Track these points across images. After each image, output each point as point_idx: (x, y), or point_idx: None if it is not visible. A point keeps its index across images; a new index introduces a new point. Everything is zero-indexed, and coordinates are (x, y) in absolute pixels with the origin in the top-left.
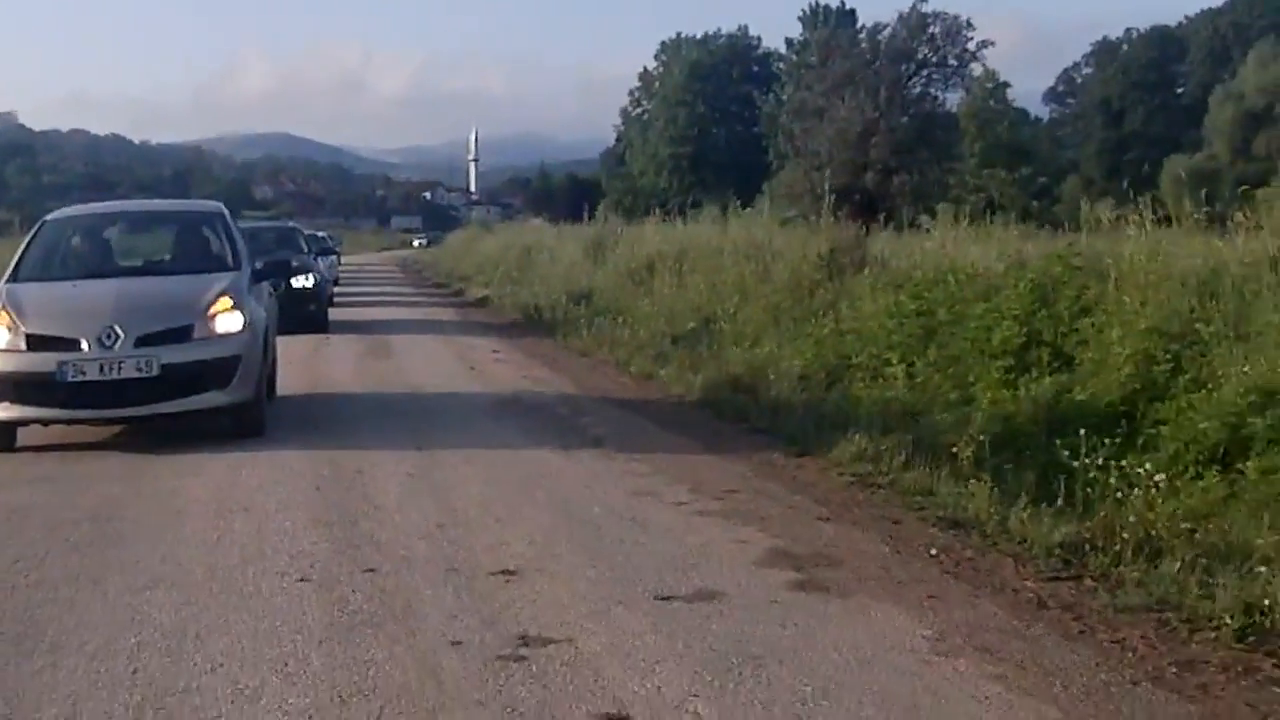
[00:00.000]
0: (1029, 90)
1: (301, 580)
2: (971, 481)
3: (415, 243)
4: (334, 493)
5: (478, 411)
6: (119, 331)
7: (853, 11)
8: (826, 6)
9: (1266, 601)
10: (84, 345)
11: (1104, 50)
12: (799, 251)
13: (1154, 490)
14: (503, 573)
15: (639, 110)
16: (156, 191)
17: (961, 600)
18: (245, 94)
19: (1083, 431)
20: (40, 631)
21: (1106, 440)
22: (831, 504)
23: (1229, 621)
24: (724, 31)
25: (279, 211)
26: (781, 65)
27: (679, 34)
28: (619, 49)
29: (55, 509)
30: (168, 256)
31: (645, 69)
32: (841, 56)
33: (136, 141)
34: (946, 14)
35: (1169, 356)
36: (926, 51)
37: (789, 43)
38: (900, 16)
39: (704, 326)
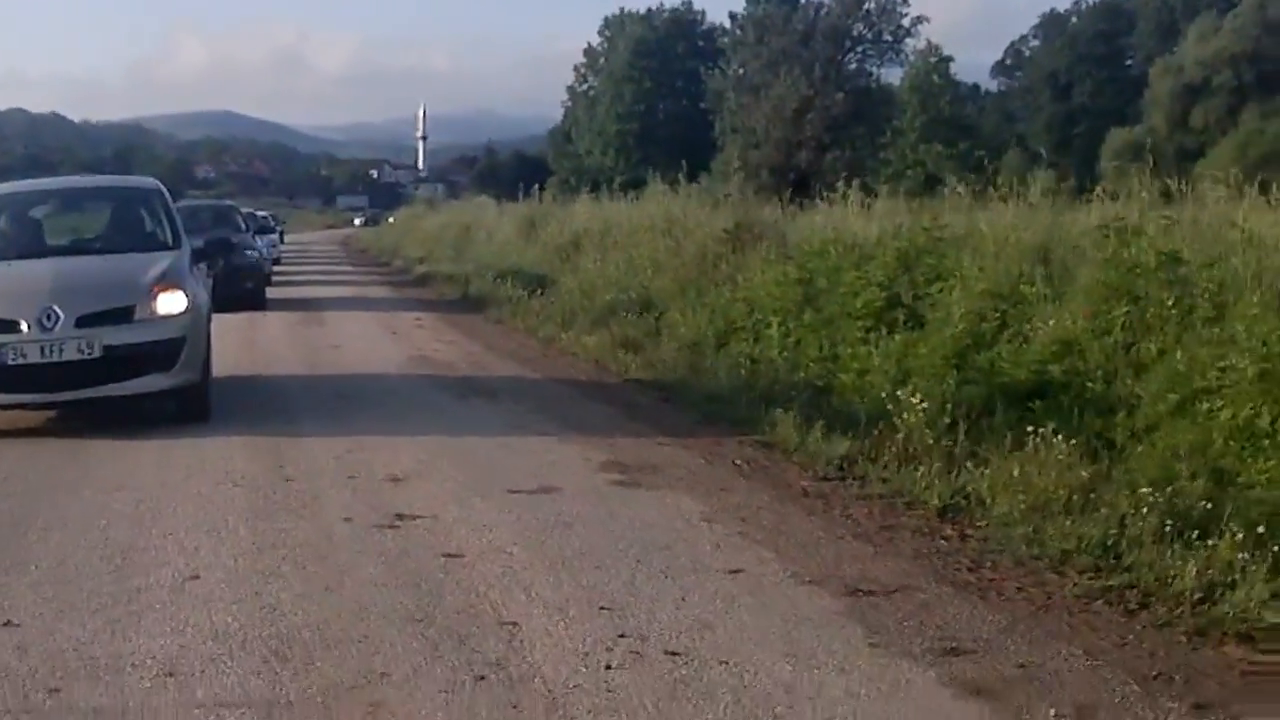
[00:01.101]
0: (980, 63)
1: (234, 485)
2: (778, 411)
3: (356, 221)
4: (264, 428)
5: (391, 367)
6: (58, 312)
7: None
8: None
9: (970, 489)
10: (23, 327)
11: (1052, 23)
12: (706, 228)
13: (919, 415)
14: (391, 479)
15: (585, 87)
16: (98, 171)
17: (741, 492)
18: (184, 71)
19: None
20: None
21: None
22: (674, 433)
23: (935, 502)
24: (668, 6)
25: (221, 192)
26: (726, 40)
27: (622, 9)
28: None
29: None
30: (103, 235)
31: (590, 45)
32: (777, 34)
33: (77, 121)
34: None
35: (997, 315)
36: (862, 28)
37: (733, 17)
38: None
39: (620, 298)
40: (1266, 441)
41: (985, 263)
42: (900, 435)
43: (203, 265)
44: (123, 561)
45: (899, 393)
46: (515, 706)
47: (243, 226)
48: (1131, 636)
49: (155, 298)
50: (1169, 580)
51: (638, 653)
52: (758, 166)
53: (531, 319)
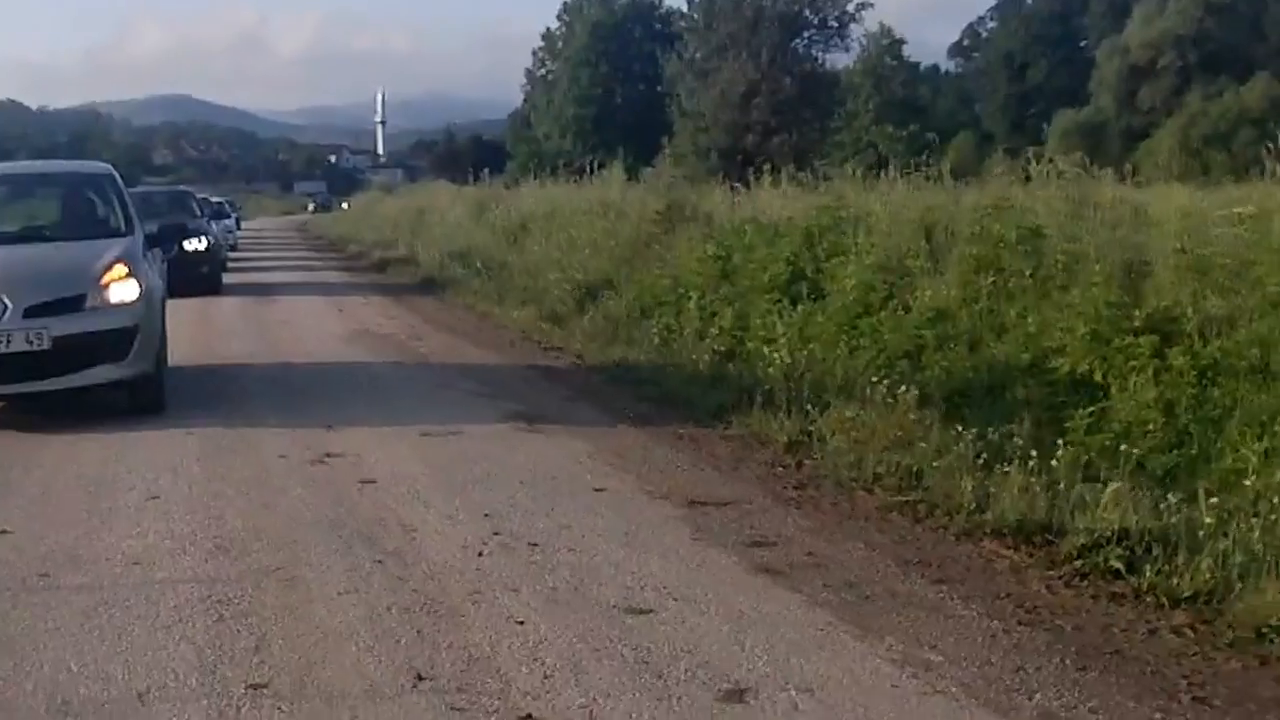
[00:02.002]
0: (941, 43)
1: (186, 433)
2: (670, 368)
3: (309, 207)
4: (212, 385)
5: (334, 339)
6: (6, 302)
7: None
8: None
9: (814, 427)
10: None
11: (1008, 4)
12: (640, 211)
13: (789, 361)
14: (324, 426)
15: (544, 71)
16: (56, 158)
17: (625, 436)
18: (142, 56)
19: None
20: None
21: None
22: (580, 391)
23: (783, 439)
24: None
25: (180, 177)
26: (683, 24)
27: None
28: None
29: None
30: (54, 222)
31: (548, 29)
32: (726, 19)
33: (33, 107)
34: None
35: (886, 286)
36: (809, 13)
37: (689, 1)
38: None
39: (556, 277)
40: (1100, 393)
41: (877, 239)
42: (766, 388)
43: (156, 251)
44: (96, 490)
45: (769, 350)
46: (401, 579)
47: (198, 212)
48: (909, 536)
49: (106, 286)
50: (954, 496)
51: (506, 545)
52: (707, 149)
53: (471, 297)
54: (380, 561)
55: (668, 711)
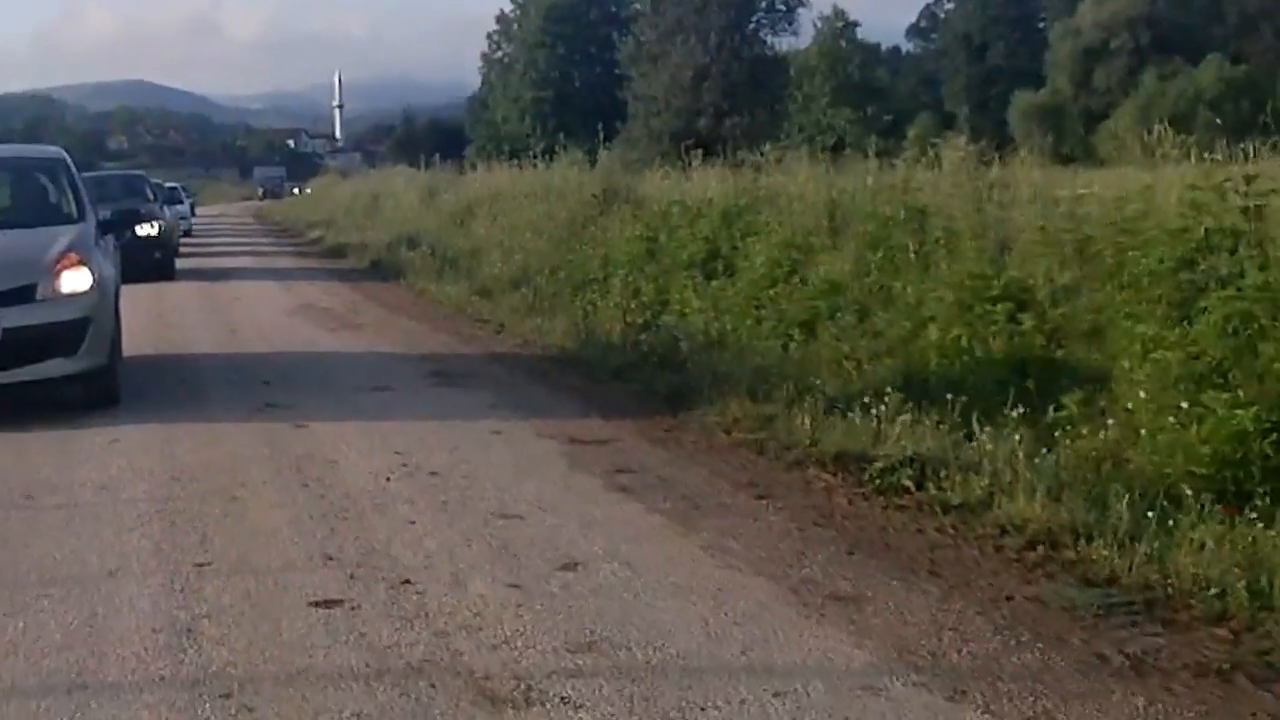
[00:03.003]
0: (900, 25)
1: (140, 388)
2: (584, 336)
3: (259, 192)
4: (169, 330)
5: (279, 313)
6: None
7: None
8: None
9: (691, 384)
10: None
11: None
12: (578, 194)
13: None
14: (263, 383)
15: (499, 54)
16: (7, 143)
17: (527, 389)
18: (94, 40)
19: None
20: None
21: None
22: (494, 355)
23: (662, 390)
24: None
25: (136, 163)
26: (638, 6)
27: None
28: None
29: None
30: (3, 209)
31: (502, 12)
32: (674, 4)
33: None
34: None
35: (789, 261)
36: None
37: None
38: None
39: (504, 258)
40: (965, 355)
41: (786, 218)
42: (661, 353)
43: (109, 238)
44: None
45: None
46: (321, 496)
47: (151, 196)
48: (749, 465)
49: (58, 275)
50: (795, 435)
51: (410, 472)
52: (660, 133)
53: (414, 276)
54: (305, 485)
55: (517, 575)
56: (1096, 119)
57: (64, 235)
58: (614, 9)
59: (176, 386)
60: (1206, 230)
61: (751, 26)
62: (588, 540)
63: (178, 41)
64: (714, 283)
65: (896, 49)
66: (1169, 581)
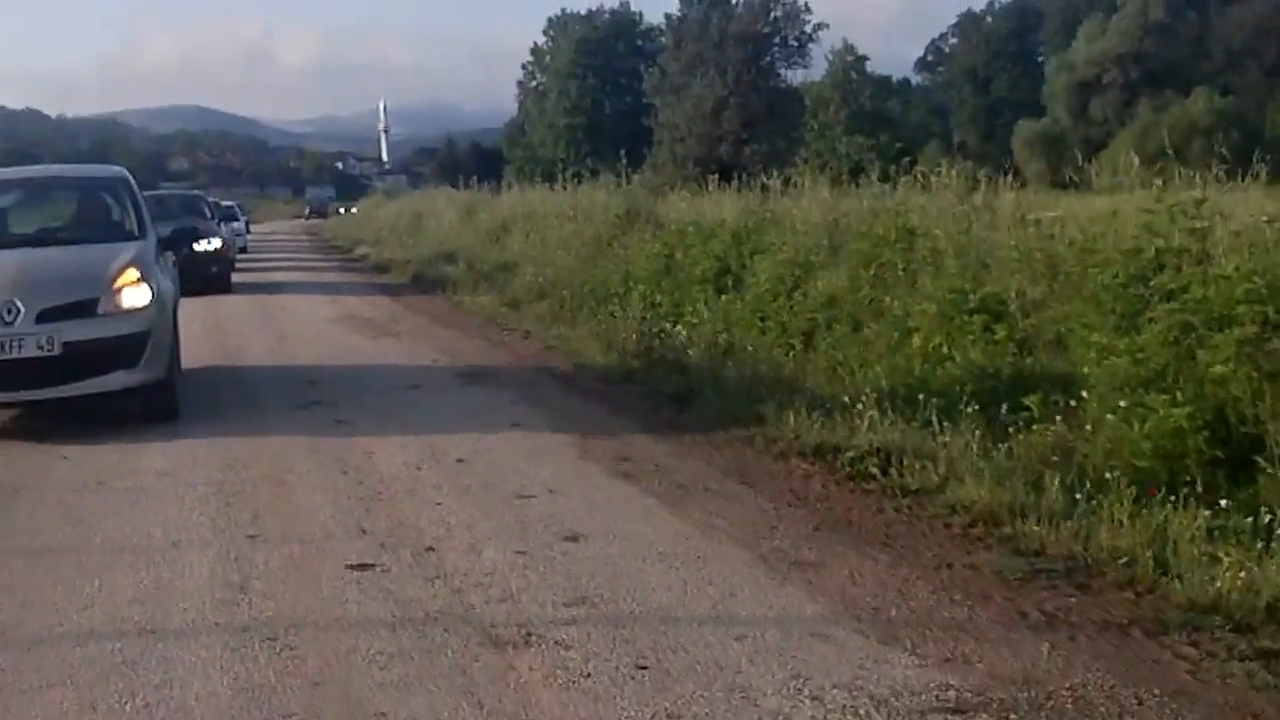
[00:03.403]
0: (908, 58)
1: (195, 387)
2: (603, 343)
3: (306, 212)
4: (224, 337)
5: (324, 321)
6: (19, 306)
7: None
8: None
9: (700, 386)
10: None
11: (968, 22)
12: (604, 214)
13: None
14: (308, 383)
15: (535, 83)
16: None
17: (547, 388)
18: (156, 66)
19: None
20: None
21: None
22: (519, 357)
23: (670, 391)
24: (607, 8)
25: (195, 184)
26: (663, 39)
27: (564, 10)
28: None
29: None
30: (68, 225)
31: (536, 44)
32: (693, 39)
33: (53, 116)
34: None
35: (792, 277)
36: (770, 32)
37: (668, 18)
38: (744, 1)
39: (535, 272)
40: (947, 360)
41: (790, 238)
42: (670, 357)
43: (169, 255)
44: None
45: (686, 331)
46: (360, 482)
47: (209, 214)
48: (741, 457)
49: (119, 291)
50: (782, 430)
51: (438, 460)
52: (684, 158)
53: (449, 288)
54: (345, 472)
55: (526, 544)
56: (1096, 147)
57: (125, 252)
58: (640, 42)
59: (231, 386)
60: (1157, 250)
61: (766, 60)
62: (589, 517)
63: (234, 70)
64: (724, 297)
65: (906, 81)
66: (1089, 553)
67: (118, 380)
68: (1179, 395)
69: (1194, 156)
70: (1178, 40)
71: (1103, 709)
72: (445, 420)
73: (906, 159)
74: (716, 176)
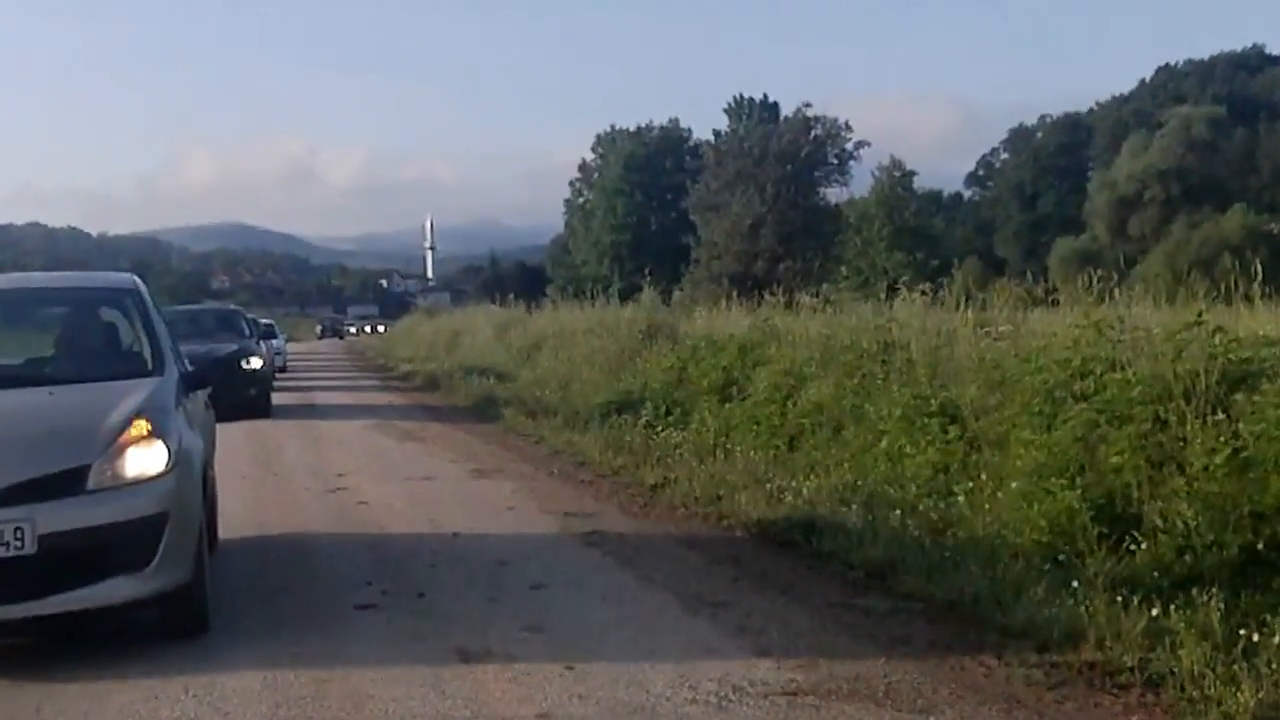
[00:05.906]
0: (961, 172)
1: (241, 479)
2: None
3: (317, 329)
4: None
5: (358, 428)
6: None
7: (775, 104)
8: (750, 99)
9: (672, 475)
10: None
11: (1019, 136)
12: (627, 329)
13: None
14: (336, 474)
15: (581, 200)
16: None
17: (544, 481)
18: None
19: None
20: None
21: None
22: (526, 458)
23: (651, 481)
24: (656, 124)
25: (236, 301)
26: (711, 157)
27: (613, 126)
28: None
29: None
30: (54, 357)
31: (584, 160)
32: (734, 157)
33: (94, 234)
34: (826, 117)
35: (790, 386)
36: (810, 150)
37: (716, 134)
38: (785, 120)
39: (560, 387)
40: (906, 460)
41: (787, 351)
42: (659, 455)
43: (200, 394)
44: None
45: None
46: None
47: (247, 332)
48: (690, 527)
49: (120, 453)
50: (731, 506)
51: (439, 532)
52: (720, 275)
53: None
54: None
55: (497, 592)
56: (1132, 264)
57: (132, 394)
58: (687, 159)
59: (266, 477)
60: (1083, 359)
61: (806, 178)
62: (555, 572)
63: (276, 187)
64: (727, 405)
65: (958, 195)
66: (941, 594)
67: (118, 591)
68: (1077, 480)
69: (1221, 273)
70: (1220, 157)
71: (907, 695)
72: (452, 504)
73: (941, 277)
74: (753, 291)
